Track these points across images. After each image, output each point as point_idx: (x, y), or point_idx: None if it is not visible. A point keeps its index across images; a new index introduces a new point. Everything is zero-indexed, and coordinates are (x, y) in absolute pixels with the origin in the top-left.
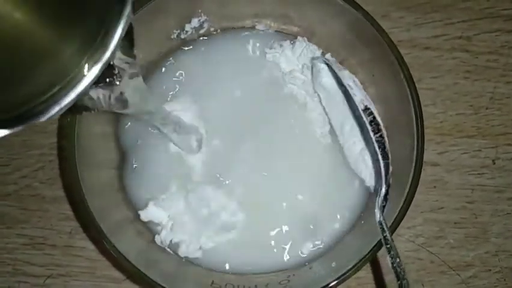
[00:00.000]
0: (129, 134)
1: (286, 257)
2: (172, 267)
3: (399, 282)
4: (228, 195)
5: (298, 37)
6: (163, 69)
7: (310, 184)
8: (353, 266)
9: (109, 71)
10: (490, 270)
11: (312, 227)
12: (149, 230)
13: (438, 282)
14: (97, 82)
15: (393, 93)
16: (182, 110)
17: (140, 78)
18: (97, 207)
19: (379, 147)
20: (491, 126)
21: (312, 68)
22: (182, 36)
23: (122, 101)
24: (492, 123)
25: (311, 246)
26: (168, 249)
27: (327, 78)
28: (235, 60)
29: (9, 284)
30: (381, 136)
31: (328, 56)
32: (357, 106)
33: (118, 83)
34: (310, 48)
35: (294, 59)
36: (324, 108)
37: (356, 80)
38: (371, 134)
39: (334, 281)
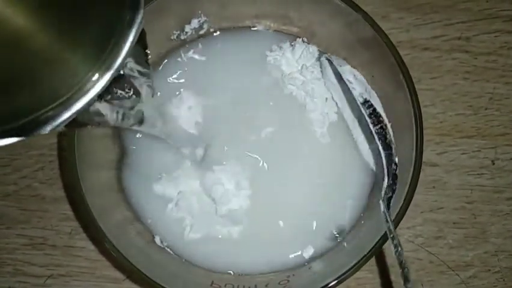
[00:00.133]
0: (129, 134)
1: (286, 257)
2: (172, 267)
3: (401, 270)
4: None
5: (298, 39)
6: (163, 70)
7: (311, 184)
8: (353, 266)
9: (121, 83)
10: (489, 270)
11: (312, 227)
12: (149, 230)
13: (437, 282)
14: (111, 97)
15: (392, 94)
16: (182, 112)
17: (155, 95)
18: (97, 208)
19: (379, 139)
20: (491, 127)
21: (320, 66)
22: (182, 37)
23: (137, 118)
24: (491, 124)
25: (311, 246)
26: (168, 249)
27: (333, 75)
28: (235, 62)
29: (9, 284)
30: (381, 128)
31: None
32: (356, 100)
33: (131, 96)
34: (310, 49)
35: (294, 60)
36: (336, 104)
37: (357, 74)
38: (371, 126)
39: (333, 281)
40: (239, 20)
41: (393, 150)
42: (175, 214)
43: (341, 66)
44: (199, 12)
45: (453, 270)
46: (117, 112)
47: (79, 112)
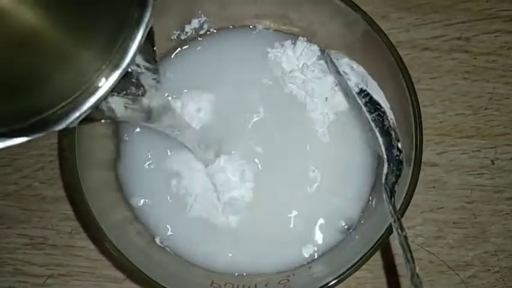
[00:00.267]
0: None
1: (286, 257)
2: (172, 267)
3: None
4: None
5: (300, 37)
6: (163, 70)
7: (312, 182)
8: (352, 266)
9: (130, 80)
10: (489, 270)
11: (312, 226)
12: (149, 230)
13: (437, 282)
14: (121, 91)
15: (392, 94)
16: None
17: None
18: (97, 207)
19: (376, 126)
20: (490, 127)
21: (325, 62)
22: (182, 37)
23: (146, 112)
24: (491, 124)
25: (311, 246)
26: (168, 249)
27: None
28: (235, 61)
29: (9, 283)
30: (378, 115)
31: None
32: (351, 90)
33: (140, 93)
34: (311, 47)
35: (295, 58)
36: (345, 96)
37: (355, 65)
38: (367, 114)
39: (333, 280)
40: (239, 20)
41: (394, 136)
42: (176, 191)
43: (338, 59)
44: (199, 12)
45: (453, 270)
46: (125, 107)
47: (88, 111)
